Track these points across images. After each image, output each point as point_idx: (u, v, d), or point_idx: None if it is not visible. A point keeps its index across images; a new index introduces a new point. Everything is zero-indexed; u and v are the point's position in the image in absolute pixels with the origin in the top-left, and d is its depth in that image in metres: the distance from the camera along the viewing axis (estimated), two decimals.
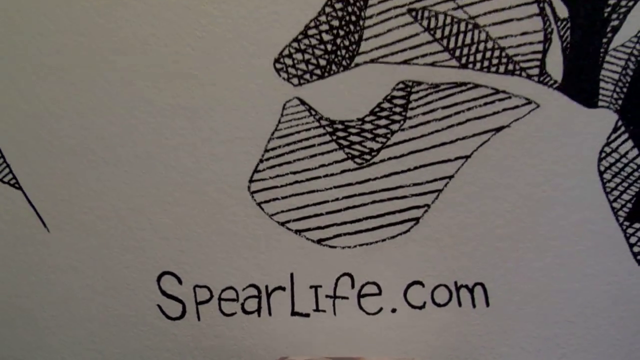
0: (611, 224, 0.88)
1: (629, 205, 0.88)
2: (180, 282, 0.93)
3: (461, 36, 0.87)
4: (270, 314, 0.93)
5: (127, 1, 0.87)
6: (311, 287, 0.92)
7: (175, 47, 0.87)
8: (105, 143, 0.90)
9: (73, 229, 0.92)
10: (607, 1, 0.86)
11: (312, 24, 0.87)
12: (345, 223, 0.90)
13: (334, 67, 0.88)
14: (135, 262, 0.92)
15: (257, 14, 0.87)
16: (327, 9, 0.87)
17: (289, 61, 0.88)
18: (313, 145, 0.89)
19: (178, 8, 0.87)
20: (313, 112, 0.89)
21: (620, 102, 0.87)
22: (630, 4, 0.86)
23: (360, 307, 0.92)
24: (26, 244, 0.93)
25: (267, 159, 0.90)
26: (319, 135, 0.89)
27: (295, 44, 0.88)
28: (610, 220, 0.88)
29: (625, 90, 0.87)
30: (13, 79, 0.90)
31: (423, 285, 0.91)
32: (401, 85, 0.88)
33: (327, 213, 0.90)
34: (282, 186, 0.90)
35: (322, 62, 0.88)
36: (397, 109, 0.88)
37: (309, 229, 0.91)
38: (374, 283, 0.91)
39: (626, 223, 0.88)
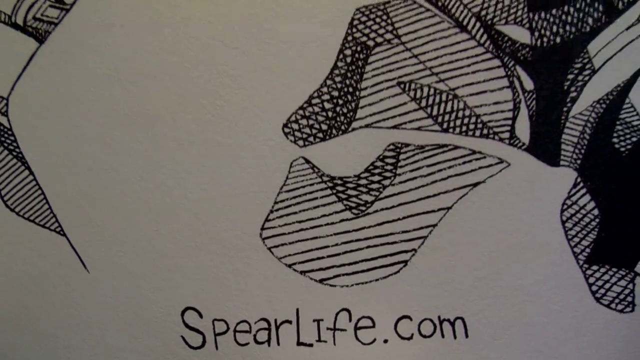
0: (572, 267, 1.00)
1: (588, 250, 1.01)
2: (201, 316, 1.05)
3: (443, 105, 1.00)
4: (278, 344, 1.05)
5: (159, 76, 1.01)
6: (314, 320, 1.04)
7: (199, 115, 1.00)
8: (137, 196, 1.02)
9: (109, 270, 1.03)
10: (566, 76, 1.00)
11: (316, 94, 1.00)
12: (343, 265, 1.02)
13: (334, 131, 1.01)
14: (162, 299, 1.04)
15: (268, 86, 0.99)
16: (329, 82, 1.00)
17: (295, 126, 1.01)
18: (316, 198, 1.01)
19: (201, 81, 1.00)
20: (316, 170, 1.01)
21: (579, 161, 1.00)
22: (586, 78, 1.00)
23: (357, 338, 1.04)
24: (69, 283, 1.04)
25: (277, 210, 1.02)
26: (321, 190, 1.01)
27: (301, 112, 1.00)
28: (571, 263, 1.00)
29: (583, 151, 1.00)
30: (59, 142, 1.03)
31: (411, 319, 1.04)
32: (392, 147, 1.00)
33: (328, 256, 1.02)
34: (289, 233, 1.02)
35: (324, 127, 1.00)
36: (388, 167, 1.01)
37: (312, 270, 1.03)
38: (369, 317, 1.03)
39: (585, 265, 1.01)
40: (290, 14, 1.00)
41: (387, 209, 1.02)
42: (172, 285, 1.05)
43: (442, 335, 1.03)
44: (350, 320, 1.04)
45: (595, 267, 1.02)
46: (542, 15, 1.00)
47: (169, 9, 0.99)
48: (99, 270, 1.05)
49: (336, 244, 1.03)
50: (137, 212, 1.03)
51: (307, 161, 1.02)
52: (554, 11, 1.00)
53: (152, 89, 1.01)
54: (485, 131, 1.00)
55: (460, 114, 1.00)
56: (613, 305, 1.02)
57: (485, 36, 1.00)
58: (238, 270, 1.04)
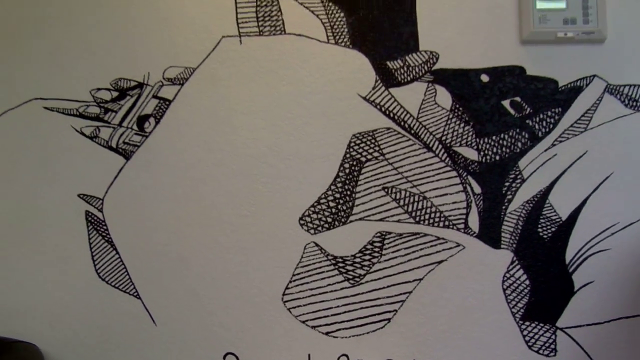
0: (511, 323, 1.33)
1: (522, 310, 1.33)
2: (237, 359, 1.43)
3: (415, 204, 1.34)
4: None
5: (210, 183, 1.40)
6: None
7: (239, 211, 1.34)
8: (194, 273, 1.35)
9: (171, 324, 1.36)
10: (504, 183, 1.39)
11: (323, 196, 1.35)
12: (343, 321, 1.34)
13: (336, 223, 1.34)
14: (208, 346, 1.35)
15: (289, 190, 1.34)
16: (333, 187, 1.36)
17: (308, 219, 1.36)
18: (323, 272, 1.34)
19: (240, 186, 1.34)
20: (323, 251, 1.36)
21: (514, 245, 1.34)
22: (518, 185, 1.38)
23: None
24: (141, 334, 1.36)
25: (294, 280, 1.35)
26: (327, 265, 1.34)
27: (312, 209, 1.35)
28: (510, 320, 1.33)
29: (517, 238, 1.34)
30: (138, 231, 1.38)
31: None
32: (378, 234, 1.34)
33: (332, 315, 1.34)
34: (303, 297, 1.34)
35: (329, 220, 1.34)
36: (376, 249, 1.35)
37: (320, 325, 1.34)
38: None
39: (520, 322, 1.33)
40: (305, 139, 1.37)
41: (375, 280, 1.35)
42: (216, 336, 1.36)
43: None
44: None
45: (527, 323, 1.34)
46: (486, 140, 1.39)
47: (220, 135, 1.40)
48: (163, 324, 1.38)
49: (338, 306, 1.35)
50: (193, 284, 1.36)
51: (317, 245, 1.35)
52: (494, 137, 1.39)
53: (206, 192, 1.37)
54: (446, 223, 1.35)
55: (428, 210, 1.35)
56: (541, 351, 1.33)
57: (445, 155, 1.36)
58: (265, 325, 1.36)
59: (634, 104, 1.36)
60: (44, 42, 1.42)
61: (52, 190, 1.39)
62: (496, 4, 1.38)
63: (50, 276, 1.39)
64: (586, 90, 1.37)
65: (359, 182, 1.37)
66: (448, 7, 1.38)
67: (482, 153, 1.37)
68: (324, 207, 1.37)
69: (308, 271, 1.37)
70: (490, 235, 1.36)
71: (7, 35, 1.42)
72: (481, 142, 1.37)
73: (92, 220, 1.38)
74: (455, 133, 1.37)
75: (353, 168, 1.37)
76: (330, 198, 1.37)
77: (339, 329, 1.36)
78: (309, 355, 1.37)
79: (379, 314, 1.36)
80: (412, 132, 1.37)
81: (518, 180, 1.36)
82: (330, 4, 1.39)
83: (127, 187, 1.39)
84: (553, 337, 1.34)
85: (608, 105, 1.37)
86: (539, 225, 1.36)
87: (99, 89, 1.39)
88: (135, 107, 1.39)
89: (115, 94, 1.39)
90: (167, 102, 1.39)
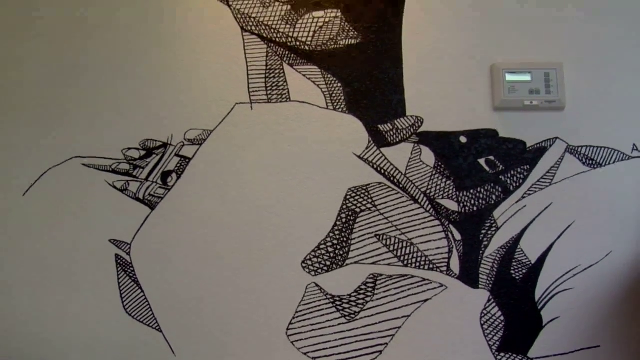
0: (488, 354, 1.49)
1: (498, 343, 1.49)
2: None
3: (403, 249, 1.51)
4: None
5: (226, 231, 1.61)
6: None
7: (250, 254, 1.52)
8: (209, 308, 1.56)
9: (188, 355, 1.51)
10: (481, 231, 1.61)
11: (323, 243, 1.52)
12: (340, 353, 1.49)
13: (334, 266, 1.51)
14: None
15: (293, 237, 1.52)
16: (331, 235, 1.53)
17: (309, 262, 1.52)
18: (322, 309, 1.50)
19: (251, 234, 1.53)
20: (323, 290, 1.52)
21: (491, 285, 1.51)
22: (493, 233, 1.57)
23: None
24: None
25: (297, 316, 1.50)
26: (326, 304, 1.50)
27: (313, 253, 1.52)
28: (487, 352, 1.49)
29: (493, 279, 1.51)
30: (161, 271, 1.58)
31: None
32: (371, 276, 1.51)
33: (330, 347, 1.50)
34: (305, 332, 1.50)
35: (328, 263, 1.51)
36: (369, 289, 1.52)
37: (320, 357, 1.50)
38: None
39: (496, 353, 1.49)
40: (307, 192, 1.55)
41: (368, 316, 1.51)
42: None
43: None
44: None
45: (502, 354, 1.50)
46: (465, 193, 1.59)
47: (233, 189, 1.60)
48: (181, 354, 1.54)
49: (336, 340, 1.51)
50: (208, 319, 1.53)
51: (317, 285, 1.52)
52: (472, 191, 1.62)
53: (220, 239, 1.54)
54: (431, 266, 1.52)
55: (415, 255, 1.52)
56: None
57: (430, 206, 1.55)
58: (272, 356, 1.52)
59: (591, 162, 1.58)
60: (83, 109, 1.65)
61: (87, 236, 1.58)
62: (472, 77, 1.62)
63: (84, 310, 1.56)
64: (550, 150, 1.58)
65: (354, 230, 1.55)
66: (431, 80, 1.61)
67: (461, 204, 1.57)
68: (323, 252, 1.55)
69: (309, 309, 1.54)
70: (469, 276, 1.54)
71: (53, 105, 1.65)
72: (461, 195, 1.57)
73: (121, 263, 1.58)
74: (438, 187, 1.58)
75: (349, 218, 1.56)
76: (329, 244, 1.56)
77: None
78: None
79: (372, 346, 1.52)
80: (401, 186, 1.57)
81: (493, 229, 1.56)
82: (329, 76, 1.63)
83: (151, 233, 1.58)
84: None
85: (569, 164, 1.58)
86: (512, 268, 1.54)
87: (129, 149, 1.63)
88: (160, 164, 1.61)
89: (143, 152, 1.62)
90: (188, 160, 1.60)
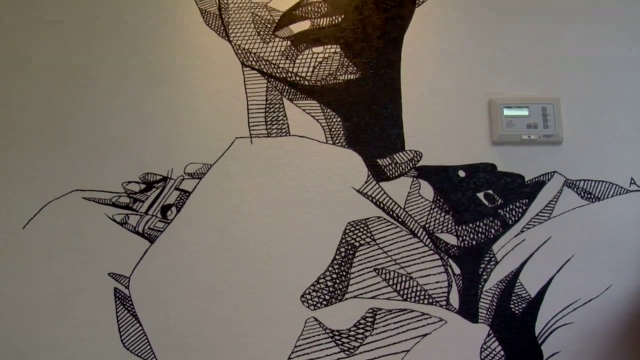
0: None
1: None
2: None
3: (403, 283, 1.51)
4: None
5: (225, 265, 1.64)
6: None
7: (248, 289, 1.51)
8: (204, 341, 1.59)
9: None
10: (480, 265, 1.63)
11: (322, 276, 1.52)
12: None
13: (333, 300, 1.51)
14: None
15: (291, 271, 1.52)
16: (330, 269, 1.53)
17: (309, 296, 1.52)
18: (321, 344, 1.50)
19: (250, 268, 1.54)
20: (322, 324, 1.55)
21: (490, 320, 1.51)
22: (492, 267, 1.58)
23: None
24: None
25: (296, 351, 1.50)
26: (325, 338, 1.50)
27: (312, 287, 1.52)
28: None
29: (492, 313, 1.51)
30: (159, 305, 1.61)
31: None
32: (370, 310, 1.51)
33: None
34: None
35: (327, 297, 1.51)
36: (368, 323, 1.52)
37: None
38: None
39: None
40: (307, 226, 1.56)
41: (368, 351, 1.51)
42: None
43: None
44: None
45: None
46: (464, 227, 1.61)
47: (233, 223, 1.63)
48: None
49: None
50: (207, 354, 1.53)
51: (316, 319, 1.53)
52: (470, 225, 1.64)
53: (219, 273, 1.55)
54: (430, 300, 1.52)
55: (414, 289, 1.53)
56: None
57: (429, 240, 1.56)
58: None
59: (589, 196, 1.61)
60: (84, 142, 1.67)
61: (87, 269, 1.59)
62: (470, 112, 1.64)
63: (82, 344, 1.56)
64: (548, 184, 1.60)
65: (354, 264, 1.56)
66: (429, 114, 1.64)
67: (460, 238, 1.58)
68: (322, 286, 1.56)
69: (308, 343, 1.54)
70: (469, 311, 1.55)
71: (54, 137, 1.67)
72: (460, 229, 1.58)
73: (120, 296, 1.59)
74: (437, 221, 1.59)
75: (348, 252, 1.57)
76: (328, 278, 1.57)
77: None
78: None
79: None
80: (400, 220, 1.59)
81: (492, 262, 1.57)
82: (328, 110, 1.67)
83: (150, 267, 1.59)
84: None
85: (567, 197, 1.59)
86: (512, 302, 1.55)
87: (129, 182, 1.65)
88: (159, 198, 1.63)
89: (143, 186, 1.64)
90: (187, 194, 1.62)
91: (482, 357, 1.54)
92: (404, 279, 1.55)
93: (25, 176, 1.67)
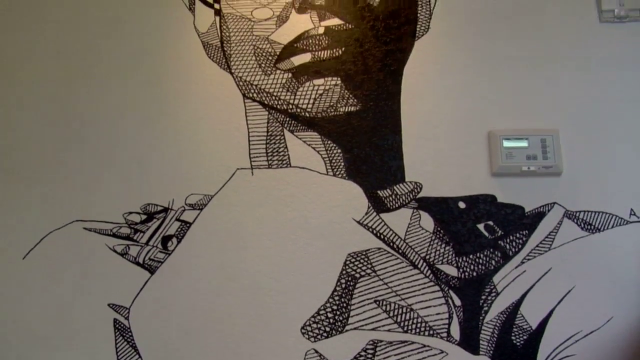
0: None
1: None
2: None
3: (403, 315, 1.51)
4: None
5: (223, 295, 1.66)
6: None
7: (249, 320, 1.54)
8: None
9: None
10: (481, 296, 1.65)
11: (322, 308, 1.52)
12: None
13: (334, 332, 1.51)
14: None
15: (292, 302, 1.52)
16: (331, 300, 1.53)
17: (309, 328, 1.52)
18: None
19: (250, 299, 1.58)
20: (322, 356, 1.51)
21: (491, 351, 1.51)
22: (493, 298, 1.59)
23: None
24: None
25: None
26: None
27: (313, 319, 1.52)
28: None
29: (493, 345, 1.51)
30: (159, 337, 1.62)
31: None
32: (371, 342, 1.51)
33: None
34: None
35: (328, 329, 1.51)
36: (369, 355, 1.52)
37: None
38: None
39: None
40: (307, 257, 1.57)
41: None
42: None
43: None
44: None
45: None
46: (464, 258, 1.62)
47: (233, 254, 1.64)
48: None
49: None
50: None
51: (317, 352, 1.53)
52: (471, 256, 1.65)
53: (219, 304, 1.57)
54: (431, 332, 1.52)
55: (415, 320, 1.53)
56: None
57: (429, 271, 1.57)
58: None
59: (589, 227, 1.62)
60: (85, 172, 1.69)
61: (86, 300, 1.59)
62: (470, 143, 1.66)
63: None
64: (548, 215, 1.61)
65: (354, 296, 1.57)
66: (430, 146, 1.66)
67: (461, 270, 1.59)
68: (323, 317, 1.56)
69: None
70: (470, 343, 1.54)
71: (55, 168, 1.69)
72: (460, 260, 1.59)
73: (119, 327, 1.60)
74: (437, 252, 1.60)
75: (348, 283, 1.58)
76: (329, 310, 1.57)
77: None
78: None
79: None
80: (400, 251, 1.59)
81: (493, 294, 1.57)
82: (329, 142, 1.69)
83: (150, 298, 1.59)
84: None
85: (567, 228, 1.60)
86: (513, 334, 1.55)
87: (130, 213, 1.67)
88: (160, 229, 1.64)
89: (144, 217, 1.66)
90: (188, 225, 1.64)
91: None
92: (404, 310, 1.55)
93: (26, 206, 1.68)
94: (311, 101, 1.66)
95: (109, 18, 1.80)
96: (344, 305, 1.57)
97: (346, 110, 1.65)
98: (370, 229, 1.59)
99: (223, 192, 1.65)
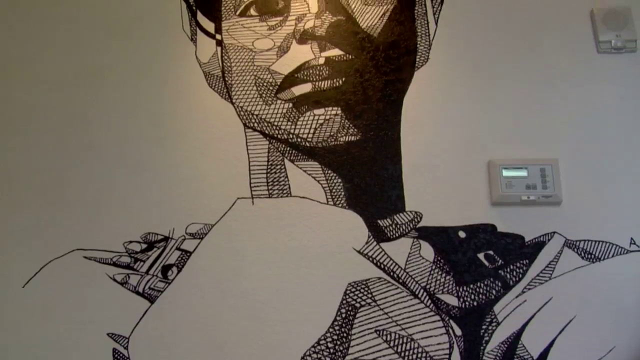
0: None
1: None
2: None
3: (404, 345, 1.51)
4: None
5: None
6: None
7: (249, 348, 1.59)
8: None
9: None
10: (481, 326, 1.65)
11: (323, 338, 1.52)
12: None
13: None
14: None
15: (292, 331, 1.52)
16: (331, 330, 1.53)
17: (309, 358, 1.51)
18: None
19: (251, 327, 1.59)
20: None
21: None
22: (494, 328, 1.57)
23: None
24: None
25: None
26: None
27: (313, 348, 1.52)
28: None
29: None
30: None
31: None
32: None
33: None
34: None
35: (328, 359, 1.51)
36: None
37: None
38: None
39: None
40: (307, 286, 1.57)
41: None
42: None
43: None
44: None
45: None
46: (464, 288, 1.62)
47: (233, 283, 1.66)
48: None
49: None
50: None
51: None
52: (471, 286, 1.65)
53: (219, 333, 1.56)
54: None
55: (415, 351, 1.53)
56: None
57: (430, 301, 1.57)
58: None
59: (589, 256, 1.63)
60: (85, 201, 1.70)
61: (86, 329, 1.59)
62: (469, 173, 1.68)
63: None
64: (548, 244, 1.62)
65: (354, 326, 1.57)
66: (429, 175, 1.68)
67: (461, 299, 1.59)
68: (323, 347, 1.56)
69: None
70: None
71: (55, 197, 1.71)
72: (460, 290, 1.60)
73: (119, 357, 1.59)
74: (438, 282, 1.61)
75: (349, 313, 1.58)
76: (329, 339, 1.57)
77: None
78: None
79: None
80: (401, 281, 1.60)
81: (494, 324, 1.57)
82: (329, 172, 1.71)
83: (150, 327, 1.59)
84: None
85: (567, 258, 1.61)
86: None
87: (130, 242, 1.68)
88: (160, 258, 1.66)
89: (144, 246, 1.67)
90: (188, 254, 1.64)
91: None
92: (405, 340, 1.55)
93: (26, 235, 1.69)
94: (312, 131, 1.68)
95: (108, 43, 1.82)
96: (345, 335, 1.56)
97: (346, 140, 1.67)
98: (371, 259, 1.60)
99: (223, 221, 1.65)
